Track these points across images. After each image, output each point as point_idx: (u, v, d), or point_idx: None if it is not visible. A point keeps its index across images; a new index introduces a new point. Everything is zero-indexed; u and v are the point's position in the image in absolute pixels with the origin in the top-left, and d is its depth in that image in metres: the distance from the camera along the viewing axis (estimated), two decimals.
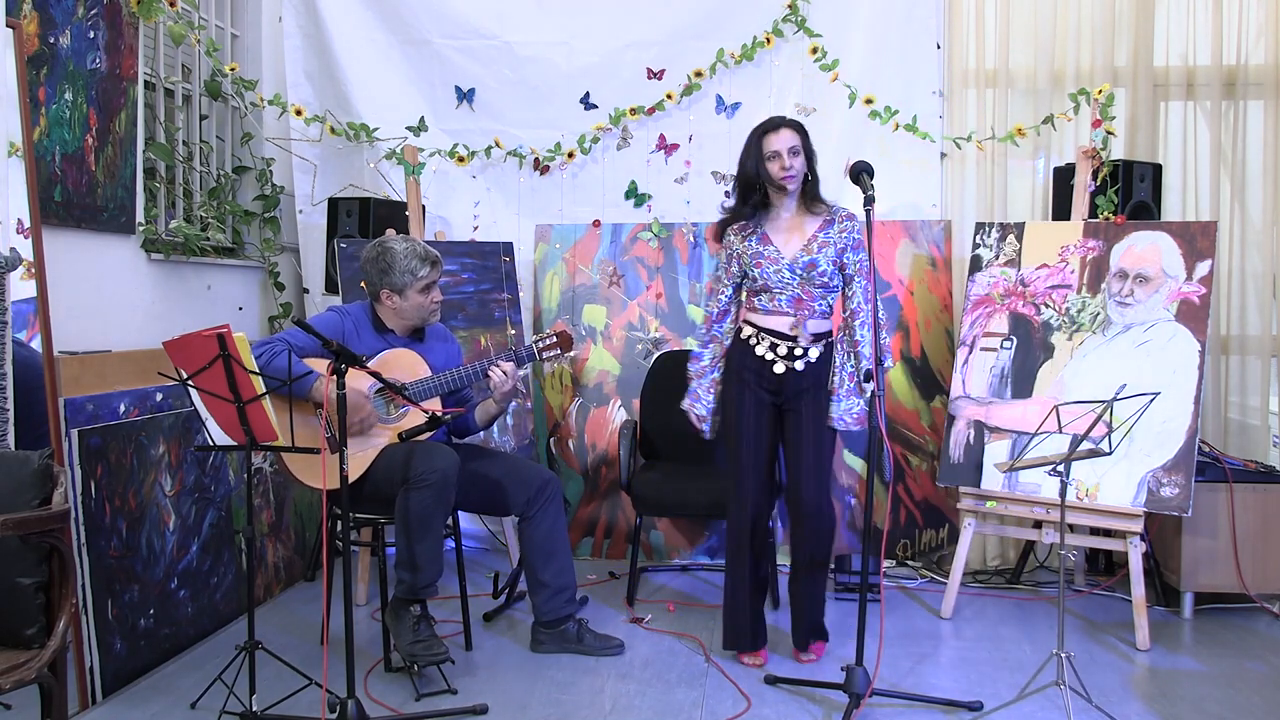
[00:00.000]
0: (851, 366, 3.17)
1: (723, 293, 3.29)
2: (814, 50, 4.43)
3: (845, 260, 3.18)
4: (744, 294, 3.30)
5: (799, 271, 3.13)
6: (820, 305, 3.18)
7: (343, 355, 2.71)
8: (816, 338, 3.18)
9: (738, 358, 3.24)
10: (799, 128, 3.16)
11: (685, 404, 3.34)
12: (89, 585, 2.91)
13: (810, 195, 3.18)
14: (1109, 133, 4.10)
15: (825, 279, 3.16)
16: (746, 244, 3.21)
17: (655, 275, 4.58)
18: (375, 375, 2.87)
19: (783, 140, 3.11)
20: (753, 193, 3.19)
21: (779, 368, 3.16)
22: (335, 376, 2.71)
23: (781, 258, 3.15)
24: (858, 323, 3.17)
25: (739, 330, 3.26)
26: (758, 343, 3.19)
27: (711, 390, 3.30)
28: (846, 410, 3.16)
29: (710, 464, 4.10)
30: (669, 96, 4.52)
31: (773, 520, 3.90)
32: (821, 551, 3.24)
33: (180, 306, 4.00)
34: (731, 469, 3.26)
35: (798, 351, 3.15)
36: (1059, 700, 2.85)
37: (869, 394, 3.04)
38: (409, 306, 3.30)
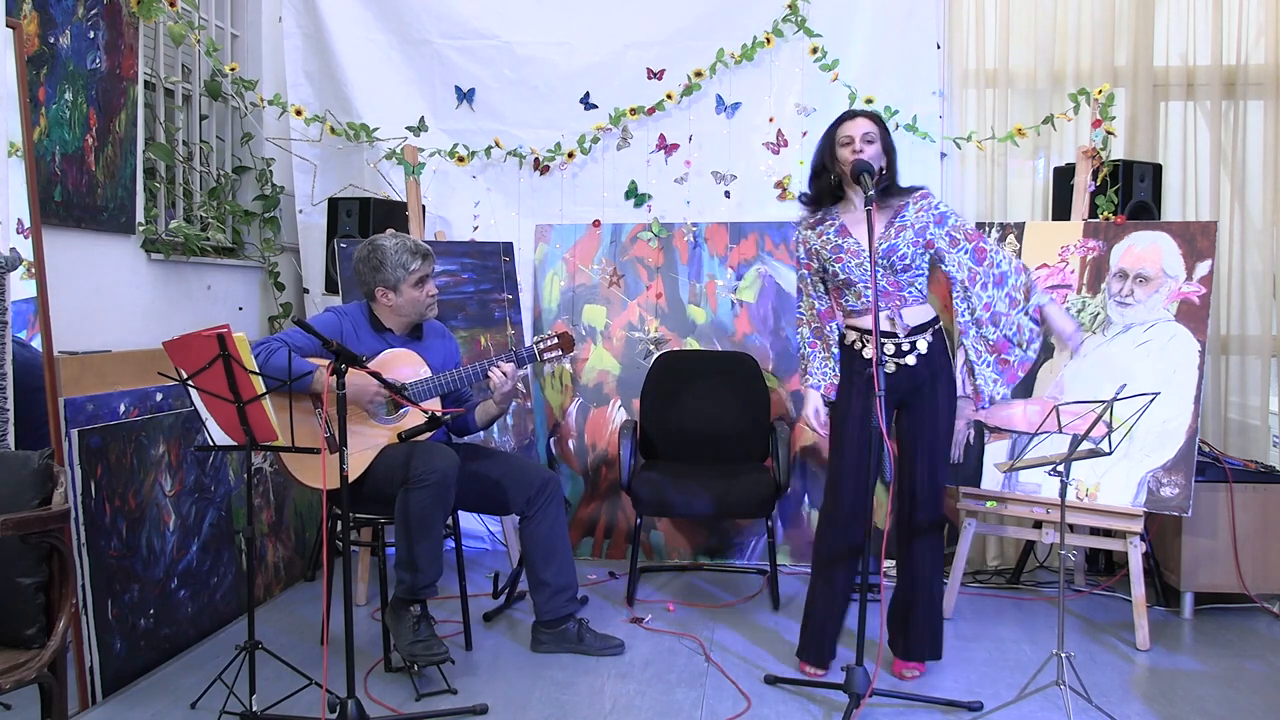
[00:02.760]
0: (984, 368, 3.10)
1: (814, 292, 3.16)
2: (814, 50, 4.44)
3: (932, 237, 3.05)
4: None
5: (879, 260, 3.00)
6: (910, 292, 3.05)
7: (343, 355, 2.71)
8: (918, 329, 3.06)
9: (844, 363, 3.11)
10: (876, 118, 3.07)
11: (809, 414, 3.19)
12: (89, 585, 2.91)
13: (886, 192, 3.05)
14: (1109, 133, 4.10)
15: (907, 262, 3.03)
16: (824, 237, 3.10)
17: (655, 275, 4.58)
18: (375, 375, 2.87)
19: (857, 127, 3.01)
20: (824, 184, 3.09)
21: (890, 367, 3.04)
22: (335, 377, 2.71)
23: (863, 250, 3.02)
24: (984, 332, 3.09)
25: (843, 336, 3.13)
26: (864, 345, 3.06)
27: (832, 390, 3.16)
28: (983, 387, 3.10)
29: (710, 464, 4.11)
30: (669, 96, 4.52)
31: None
32: (928, 515, 3.12)
33: (180, 306, 4.00)
34: (832, 474, 3.13)
35: (905, 347, 3.04)
36: (1059, 700, 2.85)
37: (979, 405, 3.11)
38: (405, 302, 3.30)
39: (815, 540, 3.22)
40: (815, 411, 3.18)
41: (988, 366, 3.12)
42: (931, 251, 3.08)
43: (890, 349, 3.05)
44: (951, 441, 3.21)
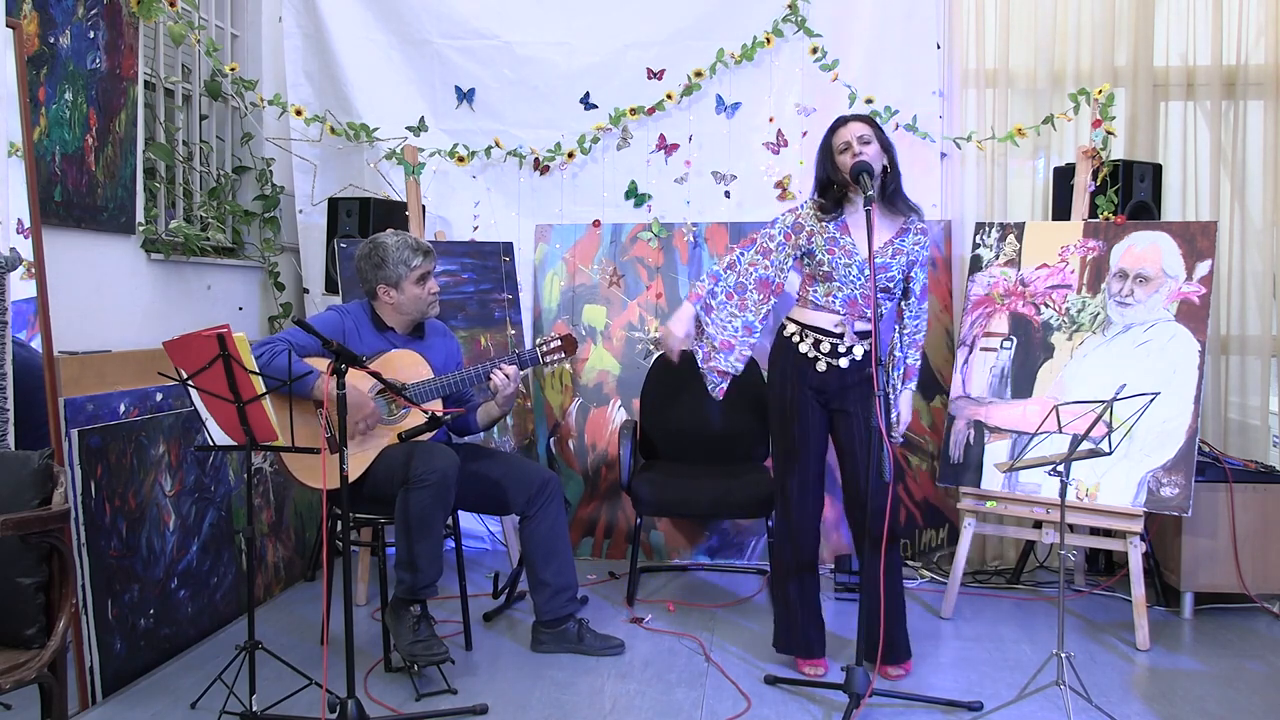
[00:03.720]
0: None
1: (774, 260, 3.12)
2: (814, 50, 4.44)
3: (912, 274, 3.15)
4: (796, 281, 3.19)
5: (866, 272, 3.02)
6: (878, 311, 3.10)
7: (343, 355, 2.71)
8: (862, 335, 3.09)
9: (784, 357, 3.14)
10: (869, 120, 3.09)
11: (674, 328, 3.14)
12: (89, 585, 2.91)
13: (889, 193, 3.06)
14: (1109, 133, 4.10)
15: (890, 284, 3.11)
16: (825, 225, 3.09)
17: (655, 275, 4.58)
18: (375, 375, 2.87)
19: (851, 131, 3.03)
20: (830, 194, 3.10)
21: (821, 365, 3.07)
22: (335, 376, 2.71)
23: (856, 253, 3.03)
24: (912, 347, 3.20)
25: (783, 327, 3.17)
26: (800, 340, 3.10)
27: (742, 349, 3.15)
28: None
29: (710, 464, 4.11)
30: (669, 96, 4.52)
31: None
32: (878, 526, 3.07)
33: (180, 306, 4.00)
34: (784, 474, 3.14)
35: (841, 349, 3.06)
36: (1059, 700, 2.85)
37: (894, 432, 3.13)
38: (406, 299, 3.30)
39: (772, 554, 3.24)
40: (684, 335, 3.15)
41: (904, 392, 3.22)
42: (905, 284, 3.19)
43: (826, 348, 3.08)
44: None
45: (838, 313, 3.08)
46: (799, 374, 3.11)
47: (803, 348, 3.10)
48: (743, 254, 3.18)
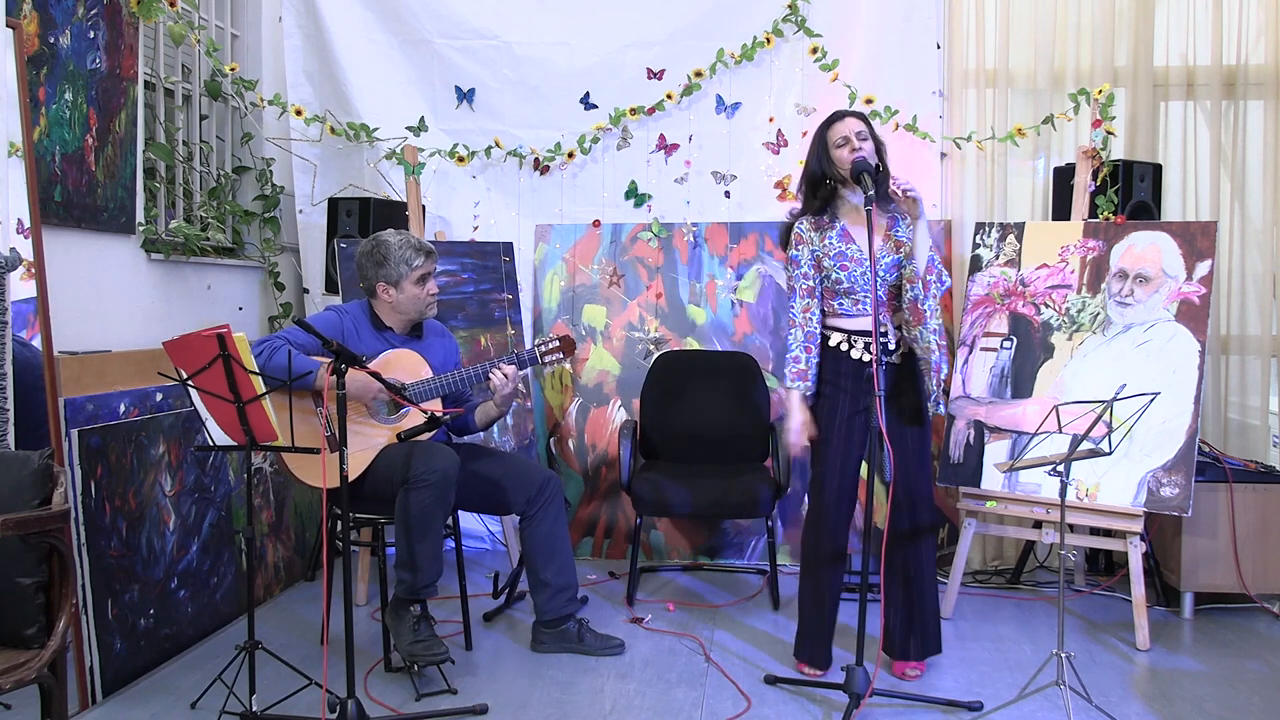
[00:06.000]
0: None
1: (809, 294, 3.10)
2: (814, 50, 4.44)
3: (902, 239, 3.06)
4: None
5: (883, 274, 3.02)
6: (899, 301, 3.10)
7: (342, 355, 2.71)
8: (901, 328, 3.11)
9: (830, 366, 3.11)
10: (864, 117, 3.09)
11: (796, 428, 3.07)
12: (89, 585, 2.91)
13: (882, 192, 3.03)
14: (1109, 133, 4.10)
15: (897, 280, 3.09)
16: (827, 241, 3.08)
17: (655, 275, 4.58)
18: (375, 375, 2.87)
19: (849, 127, 3.03)
20: (820, 190, 3.09)
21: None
22: (335, 377, 2.71)
23: (864, 257, 3.02)
24: (927, 327, 3.04)
25: (825, 338, 3.13)
26: (850, 346, 3.08)
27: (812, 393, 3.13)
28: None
29: (710, 464, 4.11)
30: (669, 96, 4.52)
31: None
32: (929, 513, 3.13)
33: (180, 306, 4.00)
34: (817, 474, 3.15)
35: (891, 345, 3.06)
36: (1059, 700, 2.85)
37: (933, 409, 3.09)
38: (405, 299, 3.30)
39: (801, 542, 3.24)
40: (803, 425, 3.08)
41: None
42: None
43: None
44: (930, 434, 3.24)
45: (869, 315, 3.05)
46: (852, 379, 3.07)
47: (855, 354, 3.08)
48: (793, 306, 3.13)
